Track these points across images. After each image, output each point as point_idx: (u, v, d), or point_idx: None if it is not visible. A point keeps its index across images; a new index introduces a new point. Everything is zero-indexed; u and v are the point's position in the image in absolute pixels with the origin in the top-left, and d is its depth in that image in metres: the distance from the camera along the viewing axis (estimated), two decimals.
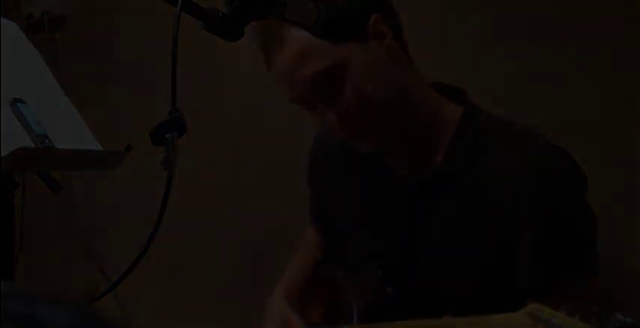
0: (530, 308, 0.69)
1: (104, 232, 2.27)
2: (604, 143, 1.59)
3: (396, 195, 1.19)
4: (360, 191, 1.26)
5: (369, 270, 1.22)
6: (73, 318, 0.46)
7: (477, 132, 1.13)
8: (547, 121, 1.53)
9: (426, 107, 1.15)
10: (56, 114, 1.15)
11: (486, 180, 1.10)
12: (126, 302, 2.03)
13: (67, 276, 2.32)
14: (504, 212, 1.08)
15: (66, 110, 1.19)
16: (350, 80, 1.08)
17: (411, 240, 1.19)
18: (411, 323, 0.99)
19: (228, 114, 2.05)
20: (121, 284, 0.89)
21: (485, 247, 1.11)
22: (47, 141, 1.07)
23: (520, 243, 1.08)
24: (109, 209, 2.27)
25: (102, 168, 1.21)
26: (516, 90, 1.68)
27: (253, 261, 2.03)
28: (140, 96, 2.18)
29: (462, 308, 0.92)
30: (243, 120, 2.01)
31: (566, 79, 1.63)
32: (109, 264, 2.23)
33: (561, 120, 1.61)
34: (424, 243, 1.17)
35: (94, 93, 2.20)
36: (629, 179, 1.58)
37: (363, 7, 1.09)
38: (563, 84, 1.64)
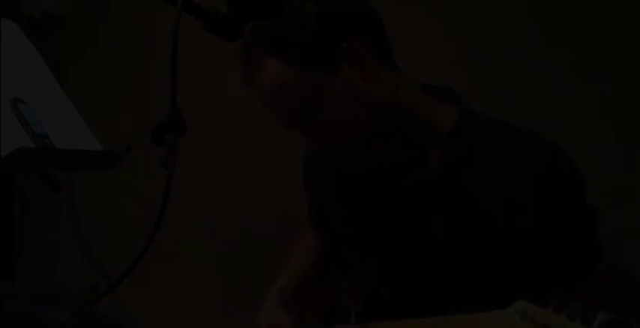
0: (518, 305, 0.69)
1: (104, 232, 2.27)
2: (602, 142, 1.59)
3: (391, 197, 1.19)
4: (354, 194, 1.26)
5: (366, 270, 1.22)
6: (73, 317, 0.46)
7: (471, 135, 1.12)
8: (546, 122, 1.53)
9: (415, 113, 1.13)
10: (56, 114, 1.15)
11: (481, 182, 1.10)
12: (126, 302, 2.02)
13: (67, 276, 2.32)
14: (499, 213, 1.08)
15: (66, 110, 1.19)
16: (328, 111, 1.09)
17: (407, 241, 1.19)
18: (399, 322, 1.00)
19: (229, 114, 2.05)
20: (121, 284, 0.89)
21: (480, 248, 1.11)
22: (47, 141, 1.07)
23: (515, 243, 1.08)
24: (109, 209, 2.27)
25: (102, 168, 1.21)
26: (514, 90, 1.68)
27: (254, 261, 2.03)
28: (140, 96, 2.18)
29: (458, 309, 0.92)
30: (244, 119, 2.01)
31: (565, 80, 1.64)
32: (109, 264, 2.23)
33: (560, 120, 1.61)
34: (419, 245, 1.17)
35: (94, 93, 2.20)
36: (629, 178, 1.58)
37: (334, 33, 1.07)
38: (563, 85, 1.64)
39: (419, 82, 1.19)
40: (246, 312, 1.31)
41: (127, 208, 2.21)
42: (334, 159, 1.18)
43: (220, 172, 2.11)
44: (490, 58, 1.70)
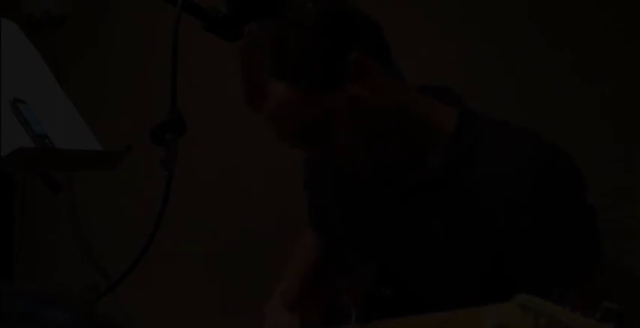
0: (520, 298, 0.69)
1: (104, 232, 2.27)
2: (602, 142, 1.59)
3: (391, 197, 1.19)
4: (354, 194, 1.26)
5: (366, 270, 1.22)
6: (73, 317, 0.46)
7: (471, 135, 1.12)
8: (547, 122, 1.53)
9: (415, 114, 1.13)
10: (56, 114, 1.15)
11: (481, 182, 1.10)
12: (126, 302, 2.03)
13: (67, 276, 2.32)
14: (499, 213, 1.08)
15: (66, 110, 1.19)
16: (335, 129, 1.08)
17: (407, 241, 1.19)
18: (401, 320, 1.00)
19: (229, 114, 2.05)
20: (121, 284, 0.89)
21: (480, 248, 1.11)
22: (47, 141, 1.07)
23: (515, 243, 1.08)
24: (109, 209, 2.27)
25: (102, 168, 1.21)
26: (512, 91, 1.68)
27: (254, 261, 2.03)
28: (140, 96, 2.18)
29: (458, 309, 0.92)
30: (244, 119, 2.01)
31: (565, 80, 1.64)
32: (109, 264, 2.23)
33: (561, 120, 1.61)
34: (420, 245, 1.17)
35: (94, 93, 2.20)
36: (629, 178, 1.58)
37: (334, 34, 1.06)
38: (561, 85, 1.64)
39: (419, 83, 1.19)
40: (246, 312, 1.31)
41: (127, 208, 2.21)
42: (334, 160, 1.18)
43: (220, 172, 2.11)
44: (490, 58, 1.70)
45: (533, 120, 1.24)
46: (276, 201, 1.99)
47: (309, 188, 1.40)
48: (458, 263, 1.14)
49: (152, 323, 2.12)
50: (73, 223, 2.31)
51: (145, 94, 2.04)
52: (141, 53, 2.20)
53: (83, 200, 2.31)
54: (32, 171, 1.39)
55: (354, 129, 1.10)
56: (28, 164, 1.06)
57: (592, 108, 1.61)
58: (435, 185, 1.13)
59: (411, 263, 1.19)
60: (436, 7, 1.76)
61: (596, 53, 1.60)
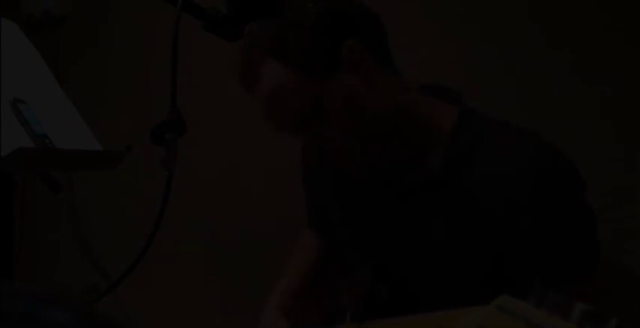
0: (499, 300, 0.69)
1: (104, 232, 2.27)
2: (602, 142, 1.59)
3: (391, 197, 1.19)
4: (354, 194, 1.26)
5: (366, 270, 1.22)
6: (73, 317, 0.46)
7: (471, 135, 1.12)
8: (547, 122, 1.53)
9: (415, 114, 1.13)
10: (56, 114, 1.15)
11: (481, 182, 1.09)
12: (126, 302, 2.03)
13: (67, 276, 2.32)
14: (499, 213, 1.08)
15: (66, 110, 1.19)
16: (329, 117, 1.08)
17: (407, 242, 1.19)
18: (395, 319, 1.00)
19: (229, 114, 2.05)
20: (121, 284, 0.89)
21: (480, 248, 1.11)
22: (47, 141, 1.07)
23: (515, 243, 1.08)
24: (109, 209, 2.27)
25: (102, 168, 1.21)
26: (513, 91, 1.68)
27: (254, 261, 2.03)
28: (140, 96, 2.18)
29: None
30: (244, 119, 2.01)
31: (565, 80, 1.64)
32: (109, 264, 2.23)
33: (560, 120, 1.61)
34: (419, 245, 1.17)
35: (94, 93, 2.20)
36: (629, 178, 1.58)
37: (334, 33, 1.06)
38: (561, 85, 1.64)
39: (418, 82, 1.19)
40: (246, 312, 1.31)
41: (127, 208, 2.21)
42: (330, 164, 1.18)
43: (220, 172, 2.11)
44: (490, 58, 1.70)
45: (533, 120, 1.24)
46: (276, 201, 1.99)
47: (307, 188, 1.40)
48: (458, 263, 1.14)
49: (152, 323, 2.12)
50: (73, 223, 2.31)
51: (145, 94, 2.04)
52: (141, 53, 2.20)
53: (83, 200, 2.31)
54: (32, 171, 1.39)
55: (350, 132, 1.09)
56: (28, 164, 1.06)
57: (592, 108, 1.61)
58: (435, 185, 1.13)
59: (411, 263, 1.19)
60: (436, 7, 1.76)
61: (596, 53, 1.60)
